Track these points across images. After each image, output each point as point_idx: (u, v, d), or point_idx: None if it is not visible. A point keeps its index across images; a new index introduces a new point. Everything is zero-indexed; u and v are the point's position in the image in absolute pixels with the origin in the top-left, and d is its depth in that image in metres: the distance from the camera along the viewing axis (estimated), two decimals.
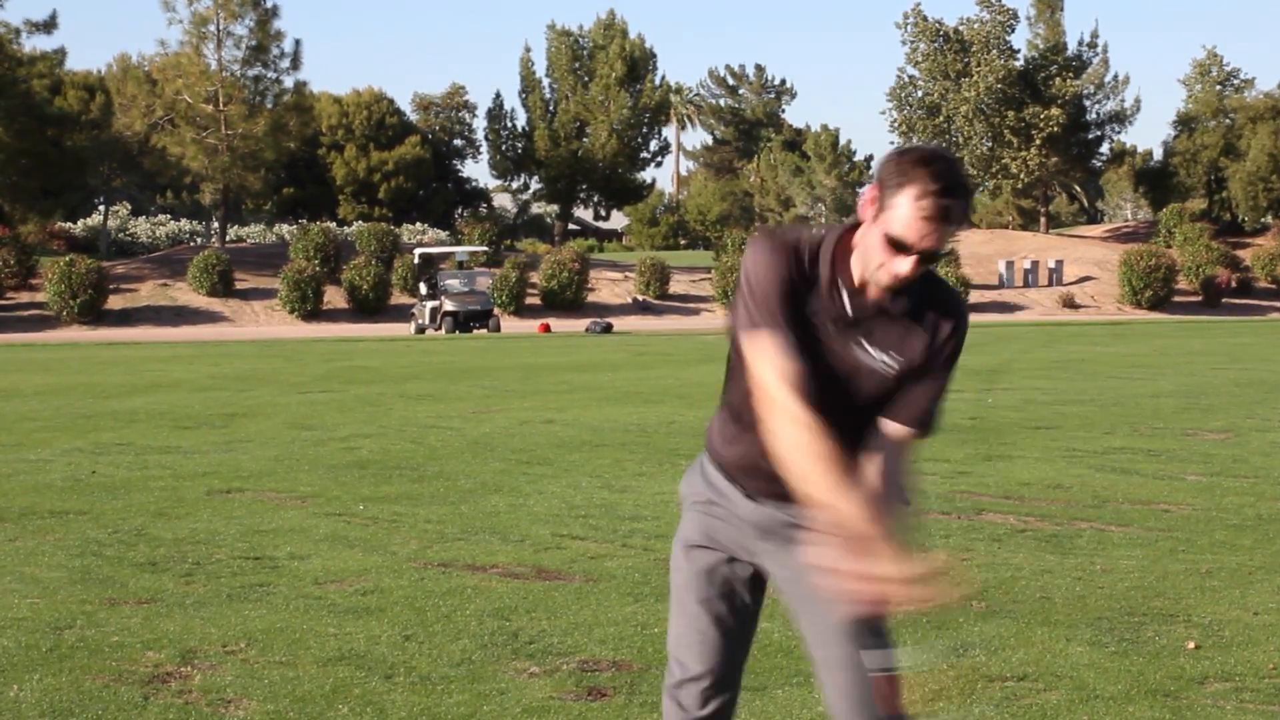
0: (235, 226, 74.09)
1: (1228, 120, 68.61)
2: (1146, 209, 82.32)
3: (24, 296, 48.61)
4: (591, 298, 53.53)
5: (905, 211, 2.88)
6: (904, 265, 2.91)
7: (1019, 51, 65.89)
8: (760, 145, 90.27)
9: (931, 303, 3.04)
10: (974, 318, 49.37)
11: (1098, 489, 9.64)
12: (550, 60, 69.12)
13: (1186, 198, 69.55)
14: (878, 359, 3.00)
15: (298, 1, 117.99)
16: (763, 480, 3.13)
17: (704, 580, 3.24)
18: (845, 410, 3.01)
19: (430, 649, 5.59)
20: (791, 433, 2.89)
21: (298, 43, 56.91)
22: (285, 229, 74.38)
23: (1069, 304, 56.73)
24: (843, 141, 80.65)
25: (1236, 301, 58.84)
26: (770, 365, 2.92)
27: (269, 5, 54.41)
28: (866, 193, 2.99)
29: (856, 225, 3.04)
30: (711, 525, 3.24)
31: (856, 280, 3.00)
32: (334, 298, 50.15)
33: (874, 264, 2.95)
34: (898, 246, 2.91)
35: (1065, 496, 9.35)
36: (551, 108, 68.87)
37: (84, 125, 56.72)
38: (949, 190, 2.87)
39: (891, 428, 3.04)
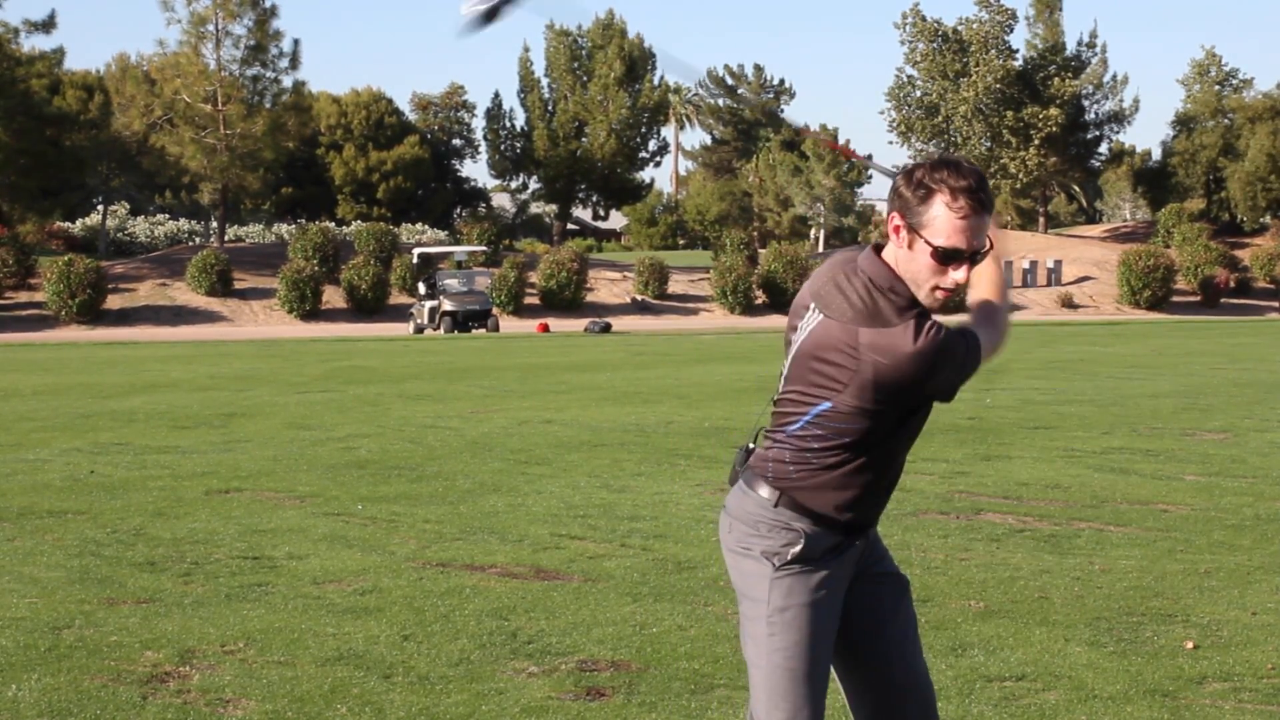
0: (234, 226, 74.01)
1: (1226, 120, 68.59)
2: (1145, 209, 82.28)
3: (23, 296, 48.56)
4: (590, 297, 53.50)
5: (943, 221, 2.90)
6: (960, 274, 2.94)
7: (1018, 51, 65.87)
8: (759, 145, 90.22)
9: None
10: None
11: (1096, 489, 9.64)
12: (549, 60, 69.07)
13: (1185, 198, 69.52)
14: None
15: (297, 1, 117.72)
16: (869, 511, 3.20)
17: (831, 638, 3.18)
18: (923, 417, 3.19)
19: (429, 649, 5.59)
20: (1001, 329, 3.21)
21: (296, 42, 56.88)
22: (284, 229, 74.30)
23: (1067, 304, 56.72)
24: (841, 141, 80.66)
25: (1235, 301, 58.83)
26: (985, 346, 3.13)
27: (267, 5, 54.34)
28: (889, 221, 3.01)
29: (875, 256, 3.05)
30: (833, 576, 3.16)
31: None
32: (333, 298, 50.11)
33: (925, 287, 2.97)
34: (950, 257, 2.92)
35: (1064, 497, 9.35)
36: (550, 108, 68.82)
37: (83, 125, 56.62)
38: (976, 184, 2.91)
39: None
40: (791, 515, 3.13)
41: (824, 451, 3.09)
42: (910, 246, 2.96)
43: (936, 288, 2.96)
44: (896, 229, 2.97)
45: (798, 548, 3.12)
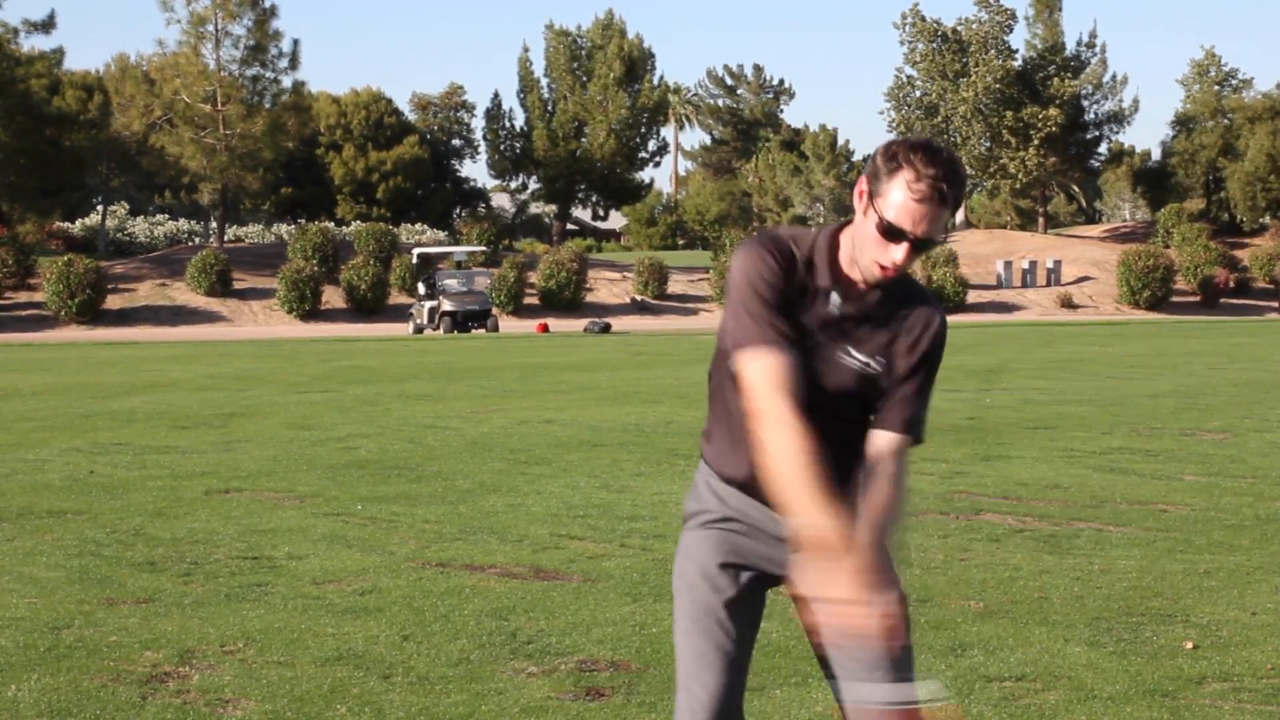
0: (233, 226, 74.06)
1: (1226, 120, 68.63)
2: (1145, 209, 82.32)
3: (22, 296, 48.59)
4: (590, 298, 53.53)
5: (899, 196, 2.88)
6: (898, 253, 2.89)
7: (1017, 51, 65.92)
8: (758, 145, 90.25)
9: (909, 305, 3.04)
10: (972, 318, 48.31)
11: (1096, 489, 9.64)
12: (549, 60, 69.13)
13: (1185, 198, 69.55)
14: (861, 361, 2.98)
15: (296, 1, 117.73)
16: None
17: (732, 599, 3.12)
18: (835, 417, 2.99)
19: (428, 649, 5.59)
20: (780, 440, 2.84)
21: (296, 42, 56.99)
22: (283, 229, 74.34)
23: (1067, 304, 56.75)
24: (841, 141, 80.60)
25: (1234, 301, 58.89)
26: (763, 377, 2.88)
27: (267, 5, 54.40)
28: (858, 185, 3.00)
29: (845, 224, 3.04)
30: (734, 540, 3.13)
31: (846, 279, 2.98)
32: (332, 298, 50.14)
33: (866, 256, 2.94)
34: (892, 234, 2.89)
35: (1063, 497, 9.35)
36: (550, 108, 68.87)
37: (82, 125, 56.66)
38: (943, 174, 2.88)
39: (883, 438, 3.01)
40: (709, 473, 3.16)
41: (719, 399, 3.11)
42: (865, 214, 2.95)
43: (877, 262, 2.94)
44: (861, 193, 2.97)
45: (695, 504, 3.16)
